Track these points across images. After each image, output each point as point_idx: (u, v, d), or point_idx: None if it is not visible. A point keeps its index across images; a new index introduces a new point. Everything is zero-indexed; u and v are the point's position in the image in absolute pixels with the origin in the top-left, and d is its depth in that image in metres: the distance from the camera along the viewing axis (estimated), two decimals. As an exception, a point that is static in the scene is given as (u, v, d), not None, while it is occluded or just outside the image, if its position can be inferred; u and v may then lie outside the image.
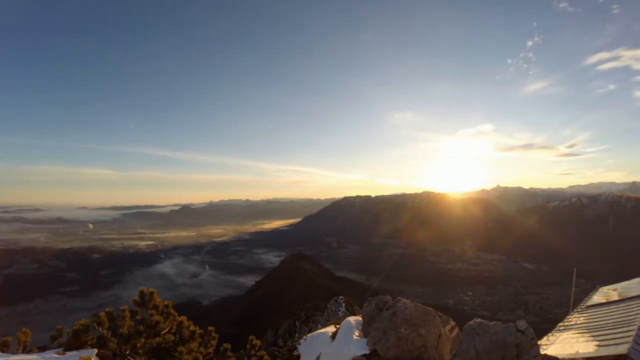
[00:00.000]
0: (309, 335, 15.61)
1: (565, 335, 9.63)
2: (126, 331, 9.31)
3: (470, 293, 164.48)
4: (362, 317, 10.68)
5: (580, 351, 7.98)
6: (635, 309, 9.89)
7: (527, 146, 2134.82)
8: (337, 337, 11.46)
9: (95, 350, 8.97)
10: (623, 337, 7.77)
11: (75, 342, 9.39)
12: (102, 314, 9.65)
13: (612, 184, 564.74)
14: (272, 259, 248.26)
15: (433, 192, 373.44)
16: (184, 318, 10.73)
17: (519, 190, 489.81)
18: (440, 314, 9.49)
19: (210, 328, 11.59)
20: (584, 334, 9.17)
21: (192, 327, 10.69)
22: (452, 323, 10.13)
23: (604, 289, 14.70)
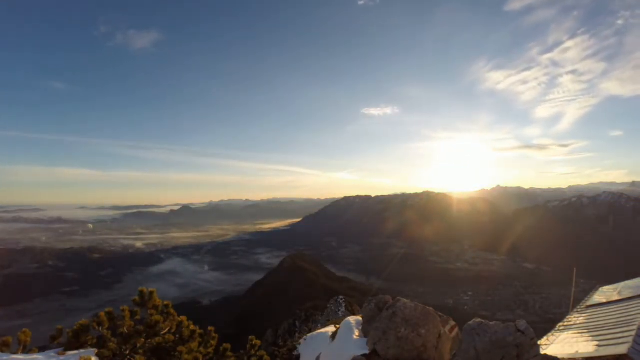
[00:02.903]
0: (309, 335, 15.62)
1: (565, 335, 9.63)
2: (126, 331, 9.31)
3: (470, 293, 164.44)
4: (362, 317, 10.69)
5: (580, 351, 7.98)
6: (635, 309, 9.89)
7: (527, 146, 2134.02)
8: (337, 337, 11.47)
9: (96, 350, 8.98)
10: (623, 337, 7.77)
11: (75, 342, 9.39)
12: (102, 314, 9.65)
13: (612, 184, 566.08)
14: (272, 259, 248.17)
15: (433, 192, 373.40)
16: (184, 318, 10.72)
17: (519, 190, 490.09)
18: (440, 314, 9.50)
19: (210, 328, 11.59)
20: (584, 334, 9.17)
21: (192, 327, 10.68)
22: (452, 323, 10.15)
23: (604, 289, 14.69)
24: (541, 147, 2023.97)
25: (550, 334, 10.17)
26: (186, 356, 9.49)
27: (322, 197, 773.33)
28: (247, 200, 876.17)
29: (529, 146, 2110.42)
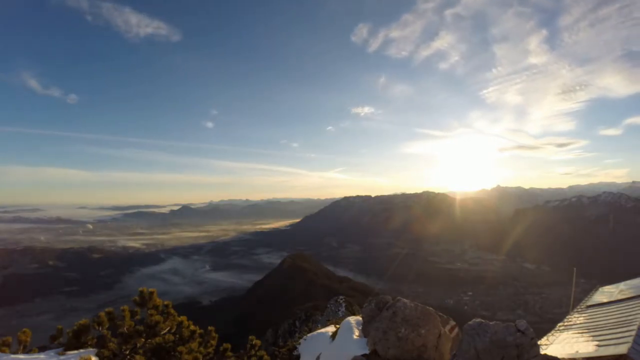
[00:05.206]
0: (309, 335, 15.62)
1: (565, 335, 9.63)
2: (126, 331, 9.32)
3: (470, 293, 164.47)
4: (362, 317, 10.70)
5: (580, 351, 7.98)
6: (635, 309, 9.88)
7: (528, 146, 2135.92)
8: (337, 337, 11.48)
9: (96, 350, 8.99)
10: (623, 337, 7.77)
11: (75, 342, 9.41)
12: (102, 314, 9.67)
13: (612, 184, 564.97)
14: (272, 259, 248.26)
15: (433, 192, 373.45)
16: (184, 318, 10.74)
17: (519, 190, 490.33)
18: (440, 314, 9.50)
19: (210, 328, 11.61)
20: (584, 334, 9.17)
21: (192, 327, 10.70)
22: (452, 323, 10.13)
23: (604, 289, 14.68)
24: (541, 147, 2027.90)
25: (550, 334, 10.16)
26: (186, 356, 9.49)
27: (322, 197, 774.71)
28: (247, 200, 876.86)
29: (529, 146, 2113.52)
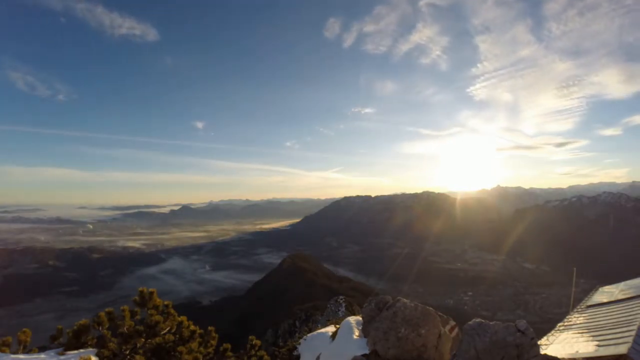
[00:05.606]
0: (309, 335, 15.60)
1: (565, 335, 9.63)
2: (126, 331, 9.32)
3: (470, 293, 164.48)
4: (362, 317, 10.69)
5: (580, 351, 7.98)
6: (635, 309, 9.89)
7: (525, 146, 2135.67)
8: (337, 337, 11.49)
9: (96, 350, 8.99)
10: (623, 337, 7.77)
11: (75, 342, 9.42)
12: (102, 314, 9.68)
13: (612, 184, 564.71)
14: (272, 259, 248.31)
15: (433, 192, 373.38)
16: (184, 318, 10.75)
17: (519, 190, 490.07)
18: (440, 314, 9.49)
19: (210, 328, 11.61)
20: (583, 334, 9.17)
21: (192, 327, 10.71)
22: (452, 323, 10.13)
23: (604, 289, 14.69)
24: (540, 147, 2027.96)
25: (550, 334, 10.16)
26: (186, 356, 9.50)
27: (322, 197, 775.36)
28: (247, 200, 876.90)
29: (526, 146, 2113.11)
